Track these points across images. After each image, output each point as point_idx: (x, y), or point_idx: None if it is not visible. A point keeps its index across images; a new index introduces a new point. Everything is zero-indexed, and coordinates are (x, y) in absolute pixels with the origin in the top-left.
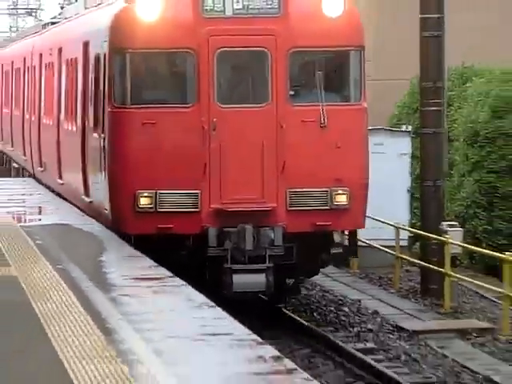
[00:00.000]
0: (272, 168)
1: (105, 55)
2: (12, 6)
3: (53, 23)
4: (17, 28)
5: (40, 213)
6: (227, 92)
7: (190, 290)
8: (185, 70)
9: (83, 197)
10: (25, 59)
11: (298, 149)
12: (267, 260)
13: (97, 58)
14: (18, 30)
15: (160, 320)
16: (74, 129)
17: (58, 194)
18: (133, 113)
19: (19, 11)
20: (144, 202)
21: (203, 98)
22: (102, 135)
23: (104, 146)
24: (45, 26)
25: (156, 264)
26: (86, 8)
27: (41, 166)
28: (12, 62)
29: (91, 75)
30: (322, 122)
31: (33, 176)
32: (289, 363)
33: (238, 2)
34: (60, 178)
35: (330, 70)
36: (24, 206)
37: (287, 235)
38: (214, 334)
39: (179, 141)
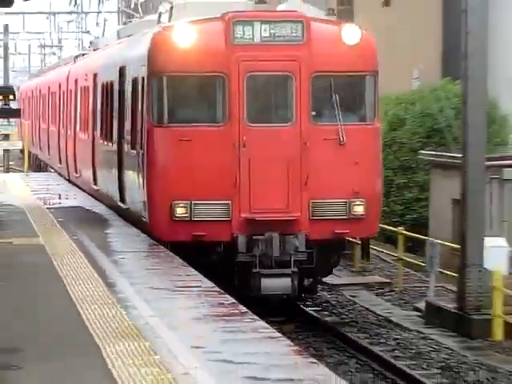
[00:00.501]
0: (296, 181)
1: (143, 78)
2: (40, 45)
3: (83, 55)
4: (44, 63)
5: (60, 198)
6: (255, 112)
7: (170, 255)
8: (217, 92)
9: (120, 203)
10: (60, 84)
11: (319, 164)
12: (292, 265)
13: (134, 81)
14: (46, 65)
15: (148, 277)
16: (110, 143)
17: (91, 195)
18: (170, 131)
19: (46, 49)
20: (180, 211)
21: (234, 117)
22: (141, 151)
23: (142, 161)
24: (76, 57)
25: (146, 236)
26: (118, 38)
27: (76, 173)
28: (48, 87)
29: (128, 96)
30: (342, 139)
31: (68, 179)
32: (243, 308)
33: (265, 30)
34: (95, 184)
35: (347, 93)
36: (49, 193)
37: (309, 242)
38: (188, 287)
39: (212, 156)
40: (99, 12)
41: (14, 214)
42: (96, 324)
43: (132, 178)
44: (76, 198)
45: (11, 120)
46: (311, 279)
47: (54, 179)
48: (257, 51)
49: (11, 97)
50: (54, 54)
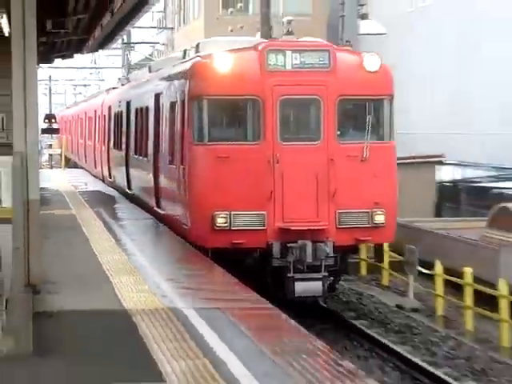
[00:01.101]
0: (324, 193)
1: (182, 101)
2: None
3: (113, 88)
4: (75, 100)
5: (86, 185)
6: (287, 132)
7: (160, 226)
8: (252, 114)
9: (156, 209)
10: (95, 110)
11: (344, 178)
12: (323, 269)
13: (172, 105)
14: (76, 101)
15: (144, 235)
16: (145, 157)
17: (124, 195)
18: (209, 148)
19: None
20: (220, 221)
21: (268, 136)
22: (181, 166)
23: (183, 175)
24: (107, 90)
25: (142, 211)
26: (150, 72)
27: (110, 178)
28: (85, 113)
29: (165, 118)
30: (364, 156)
31: (102, 180)
32: (207, 259)
33: (295, 58)
34: (128, 188)
35: (368, 114)
36: (78, 182)
37: (335, 248)
38: (170, 243)
39: (248, 171)
40: (110, 67)
41: (55, 195)
42: (108, 265)
43: (170, 188)
44: (96, 186)
45: (53, 135)
46: (333, 279)
47: (82, 173)
48: (288, 77)
49: (53, 120)
50: (81, 93)
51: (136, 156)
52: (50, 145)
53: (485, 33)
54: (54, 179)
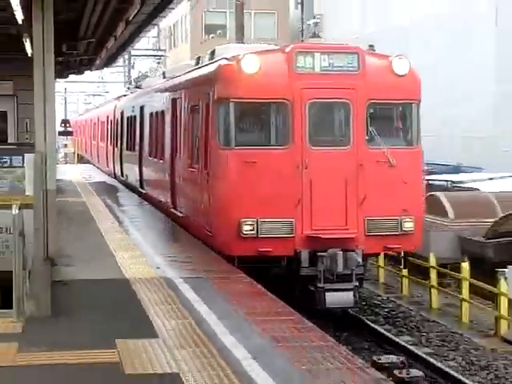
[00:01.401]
0: (353, 200)
1: (207, 104)
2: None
3: (124, 95)
4: (86, 107)
5: (94, 176)
6: (316, 136)
7: (156, 211)
8: (280, 117)
9: (172, 210)
10: (108, 116)
11: (373, 184)
12: (354, 279)
13: (192, 108)
14: (86, 108)
15: (141, 218)
16: (160, 159)
17: (136, 193)
18: (237, 153)
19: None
20: (247, 228)
21: (297, 141)
22: (204, 170)
23: (207, 179)
24: (118, 98)
25: (135, 195)
26: (164, 78)
27: (122, 176)
28: (97, 118)
29: (183, 122)
30: (392, 162)
31: (114, 177)
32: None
33: (324, 60)
34: (141, 187)
35: (396, 119)
36: (88, 175)
37: (364, 256)
38: (163, 224)
39: (276, 177)
40: (115, 82)
41: (69, 185)
42: (112, 242)
43: (190, 192)
44: (102, 178)
45: (68, 137)
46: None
47: (91, 168)
48: (317, 79)
49: (68, 125)
50: (90, 102)
51: (150, 158)
52: (66, 144)
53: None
54: (68, 173)
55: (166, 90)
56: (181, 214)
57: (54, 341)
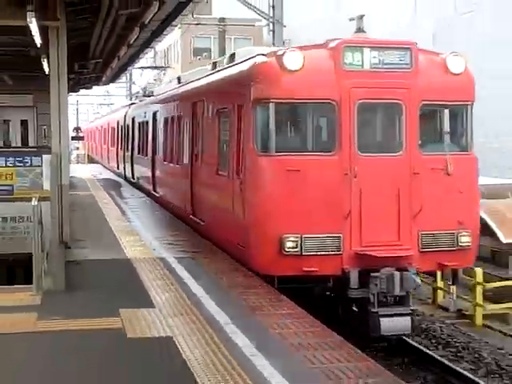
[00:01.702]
0: (407, 212)
1: (239, 106)
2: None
3: (133, 103)
4: (95, 116)
5: (101, 174)
6: (366, 141)
7: (152, 202)
8: (326, 120)
9: (192, 217)
10: (118, 121)
11: (427, 194)
12: (410, 302)
13: (218, 112)
14: (95, 118)
15: (141, 209)
16: (176, 165)
17: (148, 195)
18: (276, 160)
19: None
20: (290, 245)
21: (345, 146)
22: (238, 179)
23: (241, 189)
24: (129, 105)
25: (141, 193)
26: (179, 82)
27: (133, 178)
28: (108, 124)
29: (206, 126)
30: (448, 169)
31: (124, 178)
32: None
33: (374, 57)
34: (154, 190)
35: (451, 122)
36: (96, 172)
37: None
38: (159, 213)
39: (322, 187)
40: (118, 95)
41: (80, 182)
42: (117, 229)
43: (218, 201)
44: (108, 175)
45: (80, 141)
46: None
47: (99, 167)
48: (367, 78)
49: (80, 131)
50: (98, 112)
51: (165, 162)
52: (77, 147)
53: None
54: (80, 171)
55: (183, 93)
56: (202, 222)
57: (67, 311)
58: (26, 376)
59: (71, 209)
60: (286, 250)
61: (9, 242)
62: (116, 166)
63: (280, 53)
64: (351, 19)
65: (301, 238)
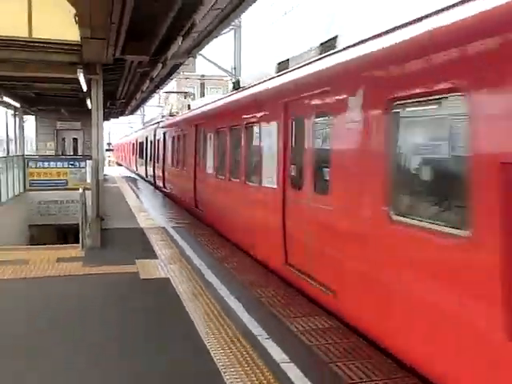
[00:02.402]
0: None
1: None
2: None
3: (160, 121)
4: (124, 135)
5: (125, 173)
6: None
7: (158, 191)
8: None
9: (252, 252)
10: (147, 137)
11: None
12: None
13: (297, 121)
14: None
15: (151, 195)
16: (177, 167)
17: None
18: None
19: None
20: None
21: None
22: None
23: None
24: (158, 123)
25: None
26: (237, 89)
27: (164, 187)
28: (136, 140)
29: (285, 137)
30: None
31: (153, 185)
32: None
33: None
34: (196, 207)
35: None
36: (121, 172)
37: None
38: (163, 199)
39: None
40: (135, 122)
41: (110, 179)
42: (133, 208)
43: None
44: (129, 174)
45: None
46: None
47: (124, 169)
48: None
49: (110, 145)
50: (127, 135)
51: (215, 175)
52: (109, 155)
53: None
54: (110, 171)
55: (237, 103)
56: (290, 269)
57: (102, 260)
58: (79, 299)
59: (104, 195)
60: None
61: (64, 216)
62: (145, 174)
63: None
64: None
65: None
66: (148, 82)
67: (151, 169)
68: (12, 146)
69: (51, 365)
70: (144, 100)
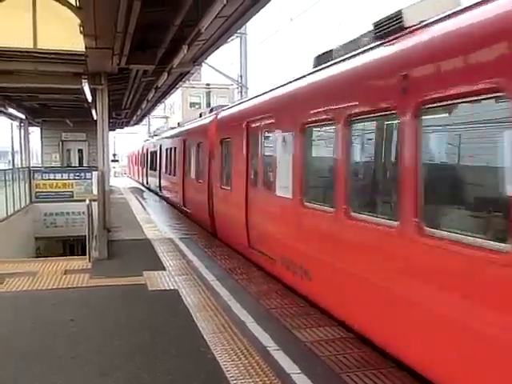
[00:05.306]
0: None
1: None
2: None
3: (155, 135)
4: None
5: (129, 184)
6: None
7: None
8: None
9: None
10: (161, 146)
11: None
12: None
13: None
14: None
15: (157, 206)
16: (174, 175)
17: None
18: None
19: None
20: None
21: None
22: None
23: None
24: (166, 131)
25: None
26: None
27: (161, 192)
28: (147, 149)
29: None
30: None
31: (158, 195)
32: None
33: None
34: (212, 223)
35: None
36: (126, 183)
37: None
38: (168, 209)
39: None
40: (140, 132)
41: (115, 189)
42: (139, 218)
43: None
44: (134, 184)
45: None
46: None
47: (129, 180)
48: None
49: (116, 156)
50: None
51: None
52: (114, 166)
53: None
54: (116, 182)
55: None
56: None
57: (109, 272)
58: (86, 309)
59: (110, 206)
60: None
61: (71, 228)
62: (145, 181)
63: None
64: None
65: None
66: (153, 91)
67: (156, 179)
68: (18, 158)
69: (58, 379)
70: (149, 110)
